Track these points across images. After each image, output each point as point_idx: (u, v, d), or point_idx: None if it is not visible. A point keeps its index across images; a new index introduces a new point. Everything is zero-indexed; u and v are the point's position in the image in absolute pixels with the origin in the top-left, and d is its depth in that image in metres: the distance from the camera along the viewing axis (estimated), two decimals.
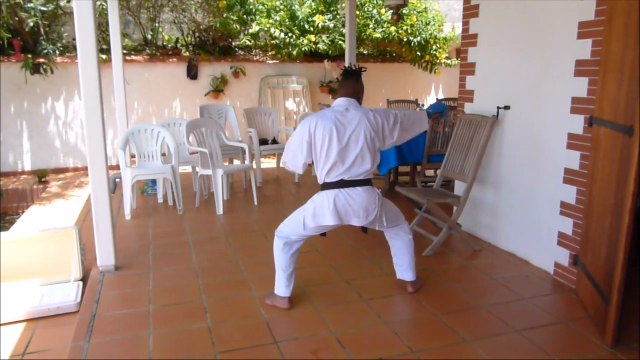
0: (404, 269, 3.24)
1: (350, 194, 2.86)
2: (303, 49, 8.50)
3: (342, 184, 2.85)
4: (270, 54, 8.89)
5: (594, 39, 3.09)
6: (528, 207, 3.77)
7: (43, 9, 7.27)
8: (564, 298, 3.23)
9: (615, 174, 2.63)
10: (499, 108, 3.98)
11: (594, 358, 2.55)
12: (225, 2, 8.18)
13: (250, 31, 8.59)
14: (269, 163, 8.06)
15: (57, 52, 7.38)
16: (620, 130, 2.55)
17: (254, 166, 6.02)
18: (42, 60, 7.29)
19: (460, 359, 2.55)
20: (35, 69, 7.29)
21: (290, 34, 8.41)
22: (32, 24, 7.12)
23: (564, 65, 3.34)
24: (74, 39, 3.72)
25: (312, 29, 8.57)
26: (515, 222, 3.91)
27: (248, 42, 8.66)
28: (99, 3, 7.37)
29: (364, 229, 3.18)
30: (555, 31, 3.43)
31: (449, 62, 9.63)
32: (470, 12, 4.32)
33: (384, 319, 2.92)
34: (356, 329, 2.83)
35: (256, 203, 5.42)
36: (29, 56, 7.19)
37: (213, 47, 8.59)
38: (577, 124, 3.25)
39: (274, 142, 6.66)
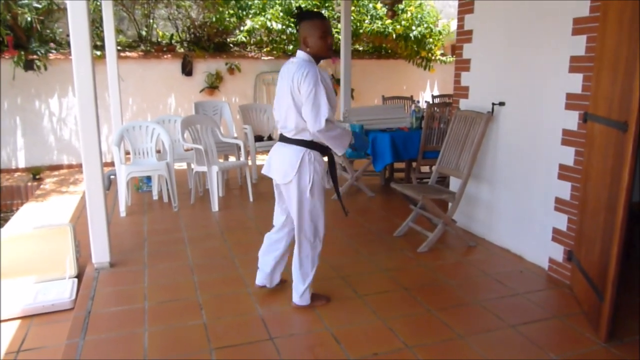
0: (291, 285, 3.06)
1: (278, 148, 2.86)
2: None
3: (280, 137, 2.87)
4: (265, 50, 8.87)
5: (589, 35, 3.09)
6: (522, 202, 3.79)
7: (37, 5, 7.21)
8: (558, 293, 3.25)
9: (610, 169, 2.64)
10: (493, 104, 3.98)
11: (588, 352, 2.57)
12: None
13: (245, 27, 8.56)
14: (264, 159, 8.05)
15: (49, 51, 7.32)
16: (615, 126, 2.56)
17: (249, 162, 6.01)
18: (34, 57, 7.24)
19: (454, 354, 2.56)
20: (28, 65, 7.23)
21: (287, 24, 8.37)
22: (29, 19, 7.06)
23: (559, 61, 3.34)
24: (68, 35, 3.70)
25: None
26: (510, 217, 3.92)
27: (243, 38, 8.63)
28: None
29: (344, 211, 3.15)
30: (549, 27, 3.44)
31: (443, 58, 9.63)
32: (465, 7, 4.32)
33: (378, 315, 2.93)
34: (351, 324, 2.83)
35: (251, 199, 5.42)
36: (22, 52, 7.14)
37: (208, 43, 8.55)
38: (572, 119, 3.26)
39: (269, 138, 6.64)
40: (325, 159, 2.91)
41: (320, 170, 2.80)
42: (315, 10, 2.70)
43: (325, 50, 2.72)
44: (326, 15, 2.81)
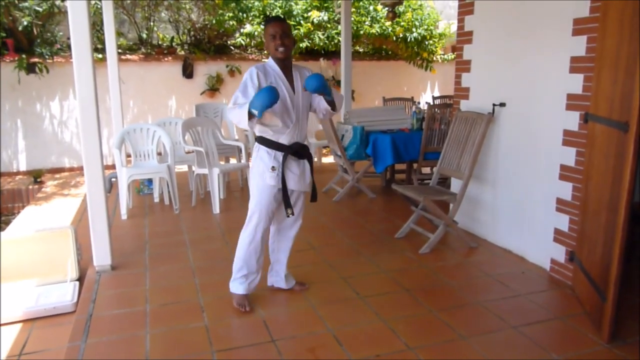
0: None
1: None
2: (299, 45, 8.49)
3: None
4: (266, 52, 8.88)
5: (589, 35, 3.09)
6: (524, 203, 3.78)
7: (37, 8, 7.22)
8: (560, 294, 3.24)
9: (611, 169, 2.63)
10: (494, 105, 3.98)
11: (590, 353, 2.56)
12: None
13: (244, 30, 8.57)
14: None
15: (50, 54, 7.33)
16: (615, 126, 2.55)
17: (250, 164, 6.01)
18: (36, 60, 7.25)
19: (456, 355, 2.56)
20: (30, 69, 7.25)
21: None
22: (26, 23, 7.08)
23: (559, 62, 3.34)
24: (69, 38, 3.71)
25: (307, 23, 8.56)
26: (511, 218, 3.92)
27: (242, 41, 8.64)
28: (93, 2, 7.34)
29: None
30: (549, 28, 3.44)
31: (444, 56, 9.62)
32: (465, 9, 4.32)
33: (380, 316, 2.93)
34: (353, 326, 2.83)
35: None
36: (23, 56, 7.15)
37: (208, 45, 8.57)
38: (572, 120, 3.26)
39: None
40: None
41: (261, 165, 2.88)
42: (280, 15, 2.77)
43: (273, 51, 2.81)
44: (283, 19, 2.82)
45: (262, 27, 2.92)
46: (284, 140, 2.86)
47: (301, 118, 2.92)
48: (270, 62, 2.87)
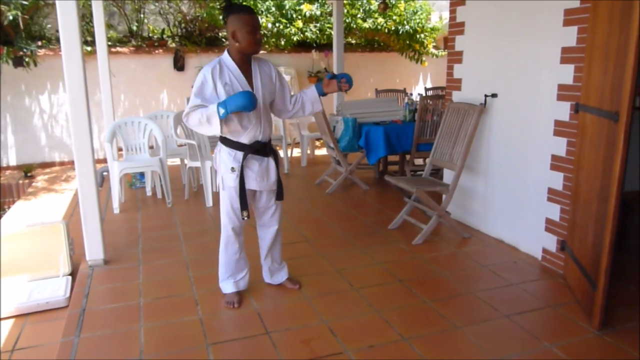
0: None
1: None
2: (292, 38, 8.45)
3: None
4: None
5: (580, 26, 3.10)
6: (516, 193, 3.80)
7: (24, 2, 7.12)
8: (552, 283, 3.27)
9: (601, 159, 2.65)
10: (486, 96, 3.99)
11: (582, 340, 2.59)
12: None
13: None
14: None
15: (37, 48, 7.24)
16: (606, 116, 2.57)
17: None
18: (22, 53, 7.16)
19: (450, 345, 2.58)
20: (18, 62, 7.16)
21: (277, 23, 8.37)
22: (11, 17, 6.98)
23: (550, 53, 3.35)
24: (57, 31, 3.66)
25: (299, 17, 8.52)
26: (504, 208, 3.94)
27: None
28: None
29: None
30: (541, 18, 3.44)
31: (436, 52, 9.62)
32: (457, 0, 4.32)
33: (374, 307, 2.94)
34: (347, 317, 2.84)
35: None
36: (10, 49, 7.06)
37: (199, 37, 8.50)
38: (563, 110, 3.27)
39: None
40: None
41: (222, 166, 2.80)
42: (245, 4, 2.58)
43: (252, 45, 2.64)
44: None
45: (227, 14, 2.69)
46: (244, 139, 2.74)
47: (262, 115, 2.76)
48: (225, 57, 2.69)
